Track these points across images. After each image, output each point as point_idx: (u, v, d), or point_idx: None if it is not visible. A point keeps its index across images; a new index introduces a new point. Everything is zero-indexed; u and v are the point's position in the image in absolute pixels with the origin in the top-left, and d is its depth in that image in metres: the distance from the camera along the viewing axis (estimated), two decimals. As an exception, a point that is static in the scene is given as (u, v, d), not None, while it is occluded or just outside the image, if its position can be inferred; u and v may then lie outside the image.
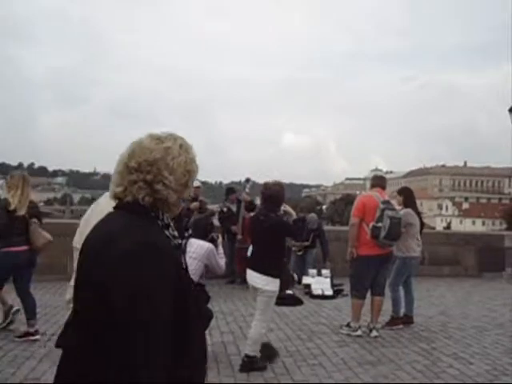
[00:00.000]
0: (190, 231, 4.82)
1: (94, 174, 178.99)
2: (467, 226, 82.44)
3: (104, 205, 2.02)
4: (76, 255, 1.80)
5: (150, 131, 1.56)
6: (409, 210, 6.22)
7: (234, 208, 8.93)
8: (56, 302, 6.84)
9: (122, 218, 1.45)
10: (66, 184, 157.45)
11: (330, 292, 7.94)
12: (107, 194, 1.69)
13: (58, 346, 1.60)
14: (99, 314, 1.33)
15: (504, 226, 53.43)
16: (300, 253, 8.82)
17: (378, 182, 6.14)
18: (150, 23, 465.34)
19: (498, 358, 4.93)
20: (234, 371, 4.37)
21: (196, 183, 8.95)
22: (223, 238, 9.04)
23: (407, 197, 6.43)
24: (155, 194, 1.44)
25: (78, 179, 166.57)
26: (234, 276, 8.84)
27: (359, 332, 5.62)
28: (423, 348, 5.22)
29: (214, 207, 10.36)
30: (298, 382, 4.18)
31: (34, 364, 4.35)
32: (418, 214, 6.50)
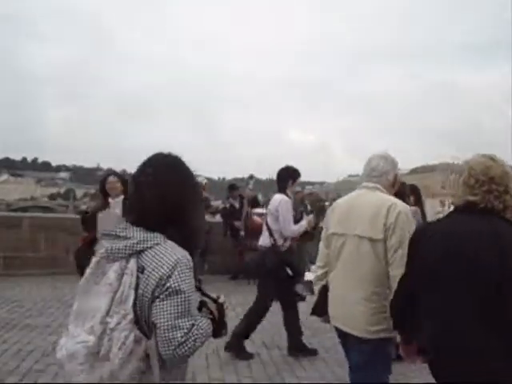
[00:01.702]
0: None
1: (98, 169, 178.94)
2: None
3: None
4: (328, 240, 2.77)
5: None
6: (416, 209, 6.17)
7: (236, 204, 8.95)
8: (60, 295, 6.87)
9: (478, 219, 1.92)
10: (69, 179, 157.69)
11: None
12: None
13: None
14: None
15: (507, 224, 53.14)
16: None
17: None
18: (153, 20, 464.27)
19: None
20: (237, 367, 4.39)
21: (203, 180, 8.96)
22: (225, 235, 9.09)
23: (415, 196, 6.35)
24: (504, 202, 1.94)
25: (81, 174, 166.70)
26: (237, 272, 8.86)
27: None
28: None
29: (218, 203, 10.38)
30: (301, 378, 4.20)
31: (38, 356, 4.38)
32: (424, 213, 6.41)
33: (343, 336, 2.68)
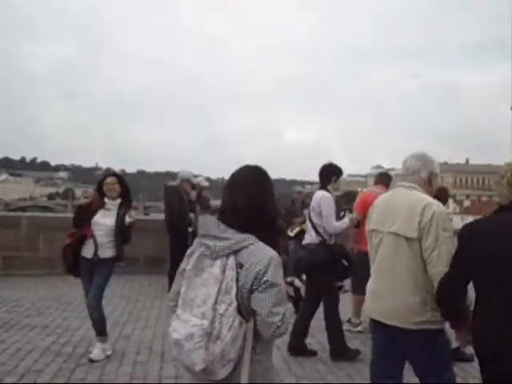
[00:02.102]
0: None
1: (97, 168, 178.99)
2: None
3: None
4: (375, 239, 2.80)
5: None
6: None
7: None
8: (58, 295, 6.87)
9: None
10: (68, 179, 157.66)
11: (331, 288, 7.91)
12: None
13: None
14: None
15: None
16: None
17: (383, 179, 6.11)
18: (153, 18, 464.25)
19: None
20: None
21: (203, 182, 8.88)
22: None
23: None
24: None
25: (80, 174, 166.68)
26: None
27: (360, 328, 5.63)
28: (424, 344, 5.22)
29: (217, 203, 10.33)
30: (300, 378, 4.19)
31: (37, 356, 4.37)
32: None
33: (381, 328, 2.75)
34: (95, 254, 4.41)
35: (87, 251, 4.44)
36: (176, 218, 7.43)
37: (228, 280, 1.85)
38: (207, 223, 1.99)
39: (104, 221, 4.43)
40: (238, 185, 2.01)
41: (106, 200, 4.52)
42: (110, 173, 4.99)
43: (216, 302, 1.83)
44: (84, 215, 4.50)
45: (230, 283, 1.84)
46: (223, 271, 1.86)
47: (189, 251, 2.03)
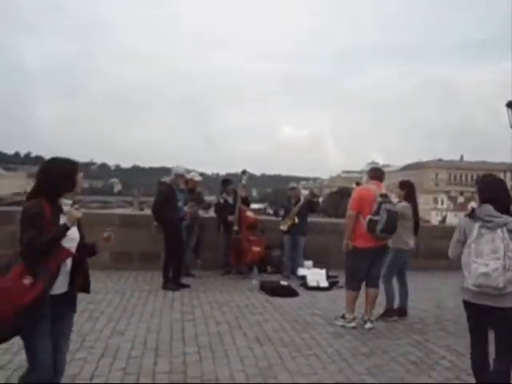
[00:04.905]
0: None
1: (91, 163, 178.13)
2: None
3: None
4: None
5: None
6: (407, 205, 6.18)
7: (230, 199, 8.92)
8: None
9: None
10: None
11: (325, 284, 7.96)
12: None
13: None
14: None
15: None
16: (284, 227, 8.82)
17: (376, 174, 6.09)
18: (149, 14, 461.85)
19: (491, 351, 4.96)
20: (230, 361, 4.40)
21: (196, 177, 8.90)
22: (218, 229, 9.06)
23: (409, 192, 6.34)
24: None
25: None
26: (229, 267, 8.86)
27: (354, 323, 5.65)
28: (417, 340, 5.26)
29: (211, 199, 10.35)
30: (293, 372, 4.21)
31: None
32: (416, 210, 6.39)
33: None
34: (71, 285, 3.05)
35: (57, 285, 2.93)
36: (162, 210, 7.49)
37: (507, 239, 3.34)
38: (487, 209, 3.43)
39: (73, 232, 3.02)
40: (499, 188, 3.55)
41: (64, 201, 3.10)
42: (75, 161, 3.40)
43: (505, 250, 3.31)
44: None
45: (508, 241, 3.34)
46: (503, 234, 3.34)
47: (462, 228, 3.56)
